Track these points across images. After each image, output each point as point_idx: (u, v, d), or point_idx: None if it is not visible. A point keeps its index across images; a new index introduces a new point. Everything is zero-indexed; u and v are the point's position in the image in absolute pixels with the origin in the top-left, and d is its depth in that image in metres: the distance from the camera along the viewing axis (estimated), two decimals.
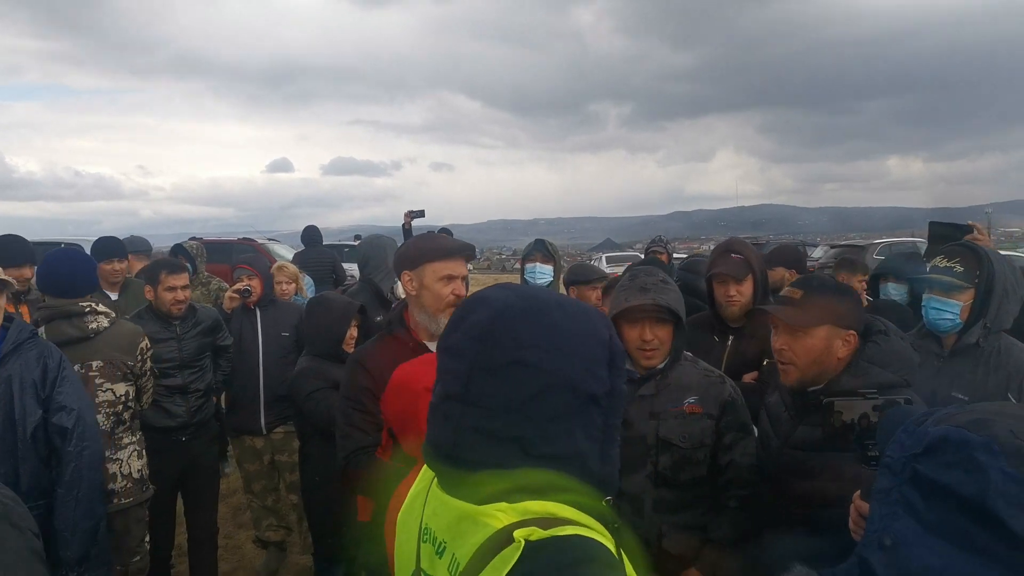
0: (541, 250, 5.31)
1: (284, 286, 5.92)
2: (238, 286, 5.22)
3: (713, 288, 3.66)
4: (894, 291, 4.60)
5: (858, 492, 1.67)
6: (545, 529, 1.11)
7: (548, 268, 5.27)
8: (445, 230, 10.34)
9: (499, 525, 1.14)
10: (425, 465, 1.35)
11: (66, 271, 3.81)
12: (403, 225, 7.07)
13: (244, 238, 17.34)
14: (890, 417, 1.48)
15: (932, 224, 3.98)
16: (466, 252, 2.75)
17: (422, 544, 1.29)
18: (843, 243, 23.30)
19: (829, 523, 1.86)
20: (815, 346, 2.40)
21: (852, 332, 2.42)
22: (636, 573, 1.12)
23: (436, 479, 1.28)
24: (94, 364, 3.70)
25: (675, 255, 10.63)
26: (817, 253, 20.99)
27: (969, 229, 3.74)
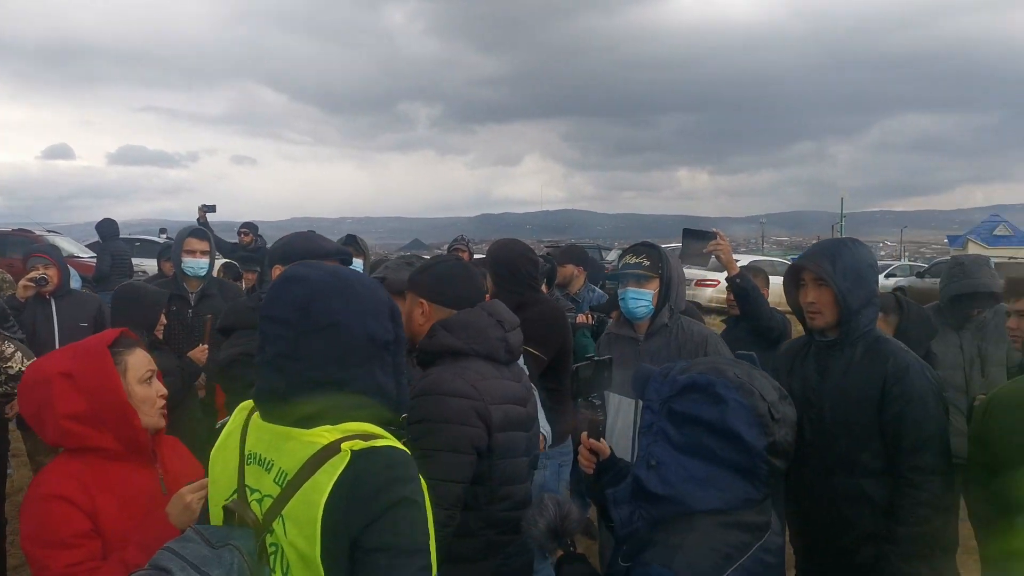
0: (352, 244, 5.44)
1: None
2: (33, 274, 5.17)
3: None
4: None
5: (585, 433, 2.03)
6: (365, 441, 1.50)
7: (359, 262, 5.25)
8: (249, 224, 10.29)
9: (325, 441, 1.50)
10: (237, 408, 1.73)
11: None
12: (197, 220, 7.15)
13: (19, 229, 16.50)
14: (639, 372, 1.74)
15: (685, 230, 4.29)
16: (341, 256, 3.02)
17: (246, 467, 1.61)
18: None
19: None
20: (405, 310, 2.63)
21: (422, 301, 2.65)
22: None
23: (258, 413, 1.63)
24: None
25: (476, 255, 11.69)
26: (611, 256, 23.21)
27: (714, 235, 4.10)
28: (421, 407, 2.35)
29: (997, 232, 43.57)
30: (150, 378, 2.24)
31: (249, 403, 1.71)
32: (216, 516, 1.67)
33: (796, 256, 3.42)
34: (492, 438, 2.39)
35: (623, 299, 3.40)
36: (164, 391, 2.28)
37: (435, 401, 2.35)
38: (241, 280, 7.56)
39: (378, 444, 1.52)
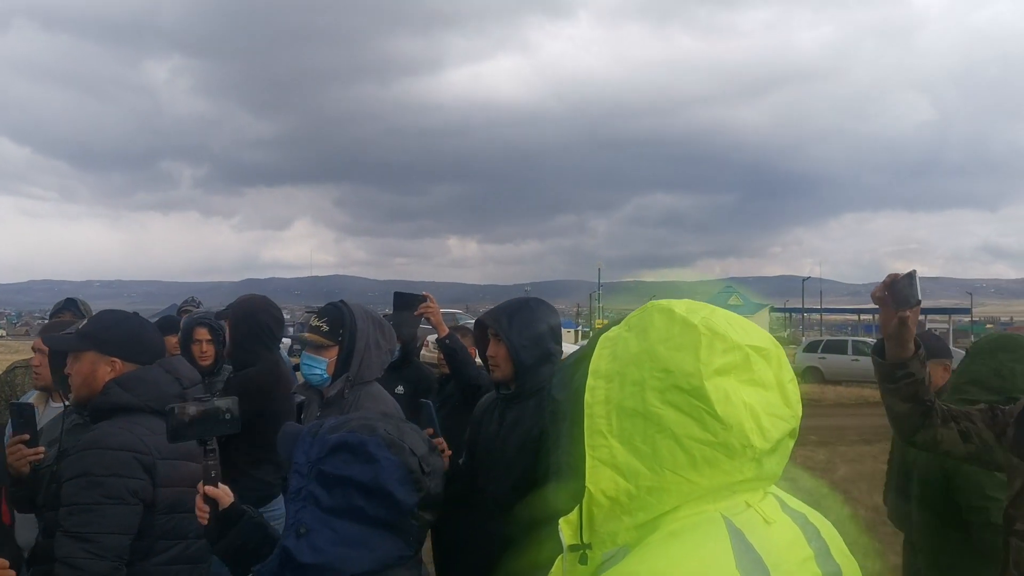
0: (71, 308, 4.99)
1: None
2: None
3: None
4: None
5: (201, 482, 1.98)
6: None
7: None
8: None
9: None
10: None
11: None
12: None
13: None
14: (285, 432, 1.68)
15: (396, 294, 4.29)
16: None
17: None
18: None
19: None
20: (82, 370, 2.60)
21: (115, 359, 2.61)
22: None
23: None
24: None
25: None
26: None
27: (424, 299, 4.13)
28: (82, 461, 2.35)
29: (731, 302, 48.12)
30: None
31: None
32: None
33: None
34: (156, 492, 2.42)
35: (301, 363, 3.23)
36: None
37: (98, 455, 2.36)
38: None
39: None
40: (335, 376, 3.10)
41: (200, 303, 7.33)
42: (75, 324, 3.05)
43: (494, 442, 2.93)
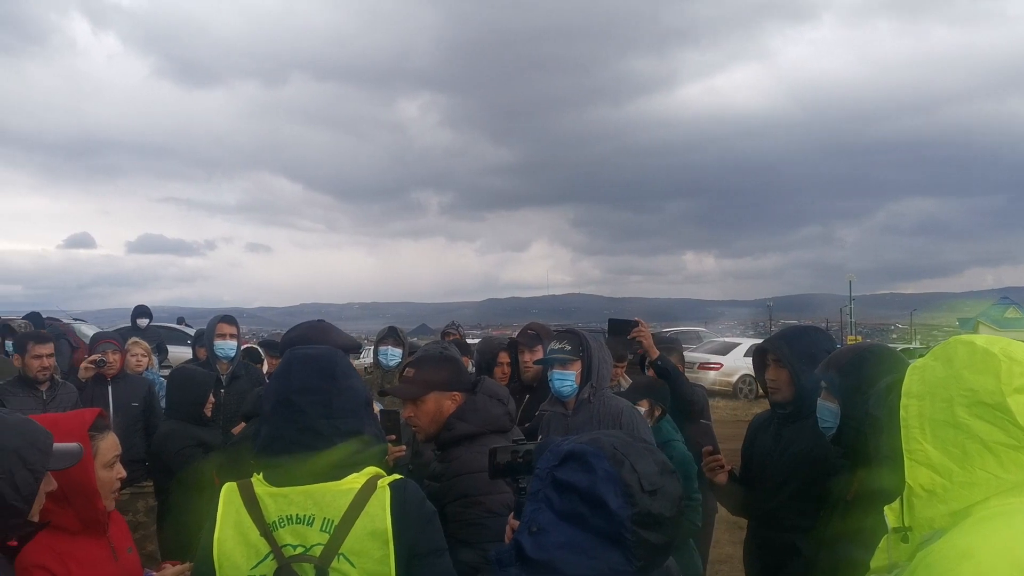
0: (393, 336, 5.93)
1: (140, 359, 6.56)
2: (94, 357, 5.66)
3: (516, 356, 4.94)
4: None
5: (512, 513, 2.04)
6: (388, 477, 2.00)
7: (398, 351, 5.83)
8: (181, 319, 11.96)
9: (359, 484, 1.94)
10: (223, 490, 1.99)
11: None
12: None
13: (49, 318, 18.34)
14: (541, 445, 1.85)
15: (610, 320, 4.74)
16: (351, 349, 3.46)
17: (278, 532, 1.90)
18: None
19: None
20: (429, 410, 2.98)
21: (456, 393, 3.01)
22: None
23: (263, 487, 1.95)
24: None
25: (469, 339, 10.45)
26: None
27: (635, 324, 4.55)
28: (460, 485, 2.81)
29: (1008, 315, 42.61)
30: (114, 463, 2.37)
31: (233, 485, 1.99)
32: None
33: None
34: None
35: (551, 380, 3.66)
36: (123, 474, 2.42)
37: (471, 479, 2.78)
38: (263, 364, 7.42)
39: (398, 477, 2.02)
40: (581, 385, 3.60)
41: (460, 327, 7.88)
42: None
43: (769, 457, 3.19)
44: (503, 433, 2.94)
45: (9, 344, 6.67)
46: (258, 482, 1.99)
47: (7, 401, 4.85)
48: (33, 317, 8.45)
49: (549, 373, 3.70)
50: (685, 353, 6.48)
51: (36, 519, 2.00)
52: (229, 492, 1.99)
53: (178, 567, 2.38)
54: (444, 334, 7.64)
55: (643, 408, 4.16)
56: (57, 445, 2.01)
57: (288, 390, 2.03)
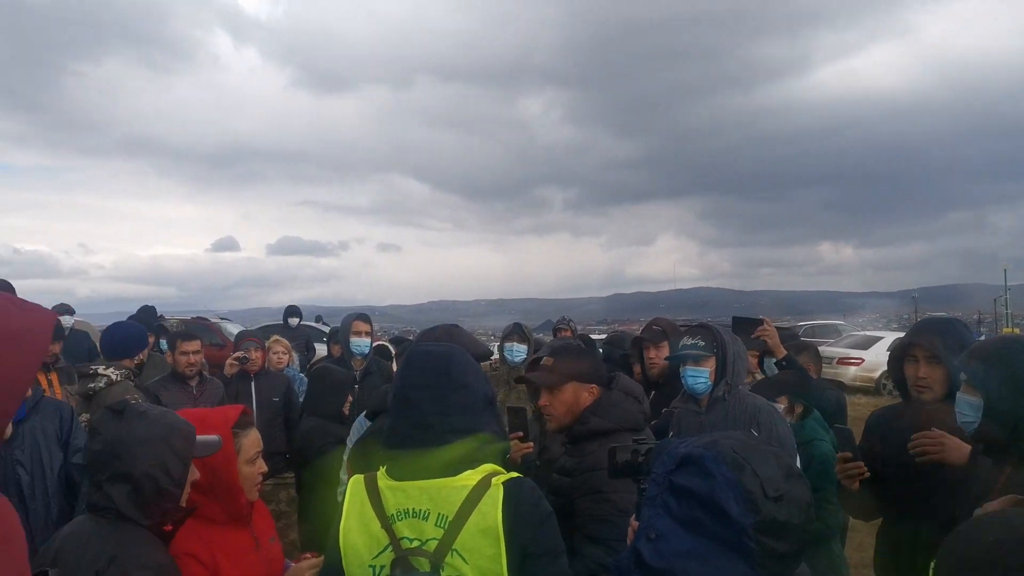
0: (518, 332, 5.99)
1: (280, 356, 6.74)
2: (238, 354, 5.95)
3: (642, 352, 4.87)
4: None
5: (633, 515, 1.96)
6: (504, 475, 1.98)
7: (523, 347, 5.86)
8: (319, 317, 11.94)
9: (474, 482, 1.94)
10: (350, 483, 2.08)
11: (106, 338, 5.00)
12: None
13: (198, 317, 17.73)
14: (658, 447, 1.77)
15: (734, 319, 4.64)
16: (481, 353, 3.29)
17: (396, 525, 1.95)
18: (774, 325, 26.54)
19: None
20: (566, 400, 2.95)
21: (594, 385, 2.98)
22: None
23: (387, 480, 2.00)
24: (84, 417, 4.23)
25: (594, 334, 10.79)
26: None
27: (760, 322, 4.47)
28: (591, 480, 2.77)
29: None
30: (255, 458, 2.50)
31: (360, 478, 2.06)
32: (362, 575, 1.97)
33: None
34: None
35: (683, 377, 3.61)
36: (264, 468, 2.55)
37: (603, 475, 2.53)
38: (393, 360, 7.56)
39: (513, 475, 1.99)
40: (715, 383, 3.52)
41: (571, 321, 7.86)
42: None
43: (907, 455, 2.98)
44: (637, 431, 2.88)
45: (163, 342, 7.10)
46: (381, 476, 2.04)
47: (161, 395, 5.11)
48: (147, 311, 8.94)
49: (681, 370, 3.63)
50: (822, 348, 6.20)
51: (184, 505, 2.18)
52: (355, 484, 2.05)
53: (314, 559, 2.46)
54: (556, 330, 7.62)
55: (781, 405, 3.99)
56: (199, 436, 2.20)
57: (405, 386, 2.07)
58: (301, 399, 5.81)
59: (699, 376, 3.54)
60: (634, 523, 1.85)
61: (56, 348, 5.57)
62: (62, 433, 3.66)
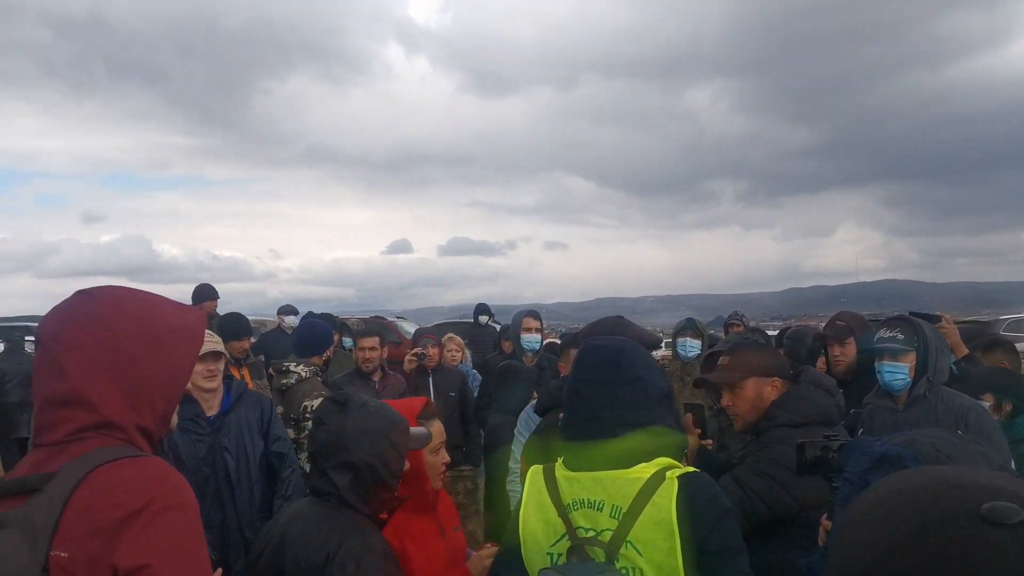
0: (692, 327, 5.96)
1: (453, 354, 6.93)
2: (416, 350, 6.18)
3: (825, 348, 4.59)
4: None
5: (824, 514, 2.03)
6: (679, 469, 1.94)
7: (697, 342, 5.84)
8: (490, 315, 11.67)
9: (648, 475, 1.91)
10: (529, 473, 2.12)
11: (296, 337, 5.41)
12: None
13: (376, 316, 18.54)
14: (851, 444, 1.78)
15: (911, 314, 4.30)
16: (649, 342, 3.32)
17: (572, 514, 1.97)
18: (967, 319, 24.18)
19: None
20: (748, 396, 2.89)
21: (776, 379, 2.91)
22: None
23: (563, 470, 2.03)
24: (279, 410, 4.44)
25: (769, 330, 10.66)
26: None
27: (938, 319, 4.20)
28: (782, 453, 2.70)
29: None
30: (439, 448, 2.56)
31: (539, 467, 2.10)
32: (540, 562, 2.00)
33: None
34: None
35: (879, 372, 3.44)
36: (447, 459, 2.61)
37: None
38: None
39: (689, 470, 1.95)
40: (915, 379, 3.35)
41: (744, 316, 7.70)
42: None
43: None
44: (829, 425, 2.78)
45: (348, 340, 7.53)
46: (559, 466, 2.06)
47: (346, 390, 5.39)
48: (288, 309, 9.43)
49: (877, 364, 3.45)
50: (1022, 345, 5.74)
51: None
52: (534, 474, 2.09)
53: (494, 548, 2.50)
54: (728, 325, 7.42)
55: (987, 403, 3.73)
56: (411, 428, 2.30)
57: (576, 380, 2.09)
58: (475, 395, 6.03)
59: (897, 372, 3.36)
60: (825, 523, 1.83)
61: (246, 344, 6.04)
62: (263, 423, 3.87)
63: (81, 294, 1.43)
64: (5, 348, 9.20)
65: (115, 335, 1.36)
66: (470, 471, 6.14)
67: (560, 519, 1.97)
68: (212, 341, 3.71)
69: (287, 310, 9.33)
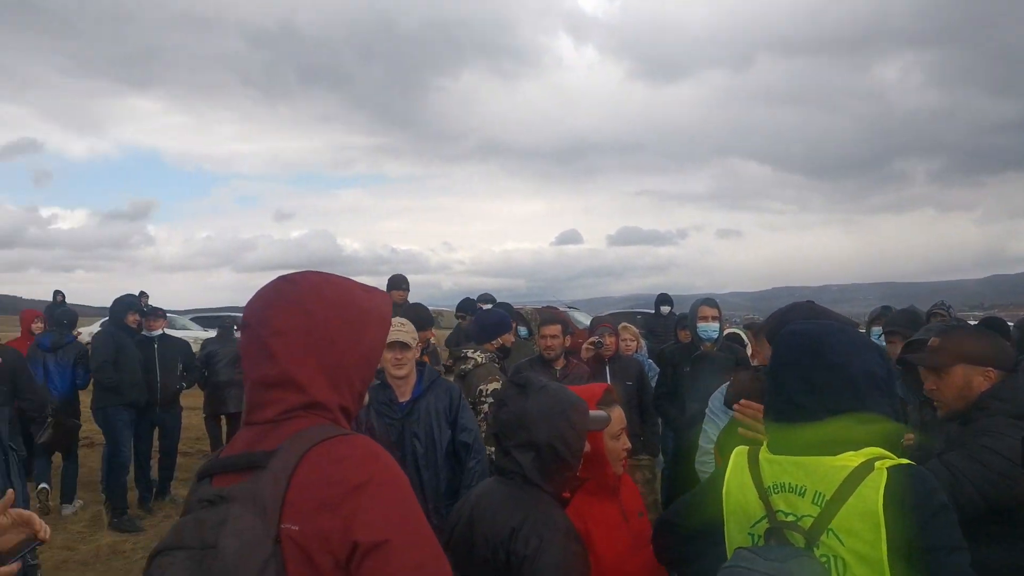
0: (887, 316, 5.70)
1: (628, 343, 7.05)
2: (593, 339, 6.24)
3: None
4: None
5: None
6: (891, 460, 1.82)
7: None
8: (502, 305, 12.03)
9: (854, 464, 1.84)
10: (733, 454, 2.10)
11: (474, 324, 5.76)
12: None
13: (548, 306, 18.61)
14: None
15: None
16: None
17: (772, 497, 1.95)
18: None
19: None
20: (955, 383, 2.77)
21: (991, 369, 2.74)
22: None
23: (766, 452, 1.99)
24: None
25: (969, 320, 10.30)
26: None
27: None
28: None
29: None
30: (620, 434, 2.57)
31: (743, 448, 2.09)
32: (740, 541, 1.99)
33: None
34: None
35: None
36: (628, 445, 2.61)
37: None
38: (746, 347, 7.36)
39: (903, 462, 1.86)
40: None
41: (951, 307, 7.25)
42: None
43: None
44: None
45: (523, 330, 7.67)
46: (764, 448, 2.05)
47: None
48: (416, 307, 9.73)
49: None
50: None
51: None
52: (738, 455, 2.09)
53: None
54: (930, 315, 6.91)
55: None
56: (590, 411, 2.35)
57: (775, 364, 2.07)
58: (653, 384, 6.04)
59: None
60: None
61: (430, 334, 6.20)
62: (451, 412, 3.96)
63: (283, 280, 1.51)
64: (217, 333, 10.36)
65: (315, 320, 1.43)
66: (648, 460, 6.13)
67: (760, 501, 1.96)
68: (403, 330, 3.86)
69: (487, 299, 9.66)
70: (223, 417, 9.38)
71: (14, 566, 1.76)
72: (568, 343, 6.04)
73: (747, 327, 8.21)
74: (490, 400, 4.60)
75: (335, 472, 1.30)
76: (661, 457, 6.49)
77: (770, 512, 1.93)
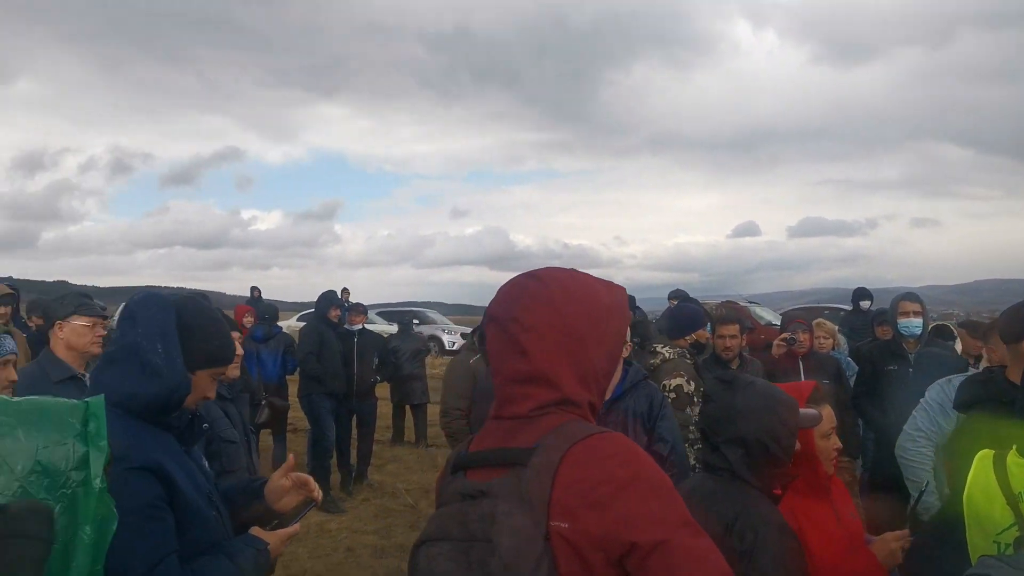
0: None
1: (822, 340, 6.68)
2: (785, 335, 6.05)
3: None
4: None
5: None
6: None
7: None
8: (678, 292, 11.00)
9: None
10: (978, 457, 2.01)
11: (663, 319, 5.54)
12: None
13: (727, 300, 17.83)
14: None
15: None
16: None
17: (1022, 504, 1.87)
18: None
19: None
20: None
21: None
22: None
23: (1017, 456, 1.91)
24: None
25: None
26: None
27: None
28: None
29: None
30: (830, 433, 2.57)
31: (989, 452, 2.00)
32: (984, 548, 1.90)
33: None
34: None
35: None
36: (839, 445, 2.62)
37: None
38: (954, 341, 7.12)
39: None
40: None
41: None
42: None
43: None
44: None
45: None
46: (1012, 453, 1.97)
47: (703, 375, 5.34)
48: (677, 293, 10.12)
49: None
50: None
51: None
52: (983, 459, 2.01)
53: (902, 532, 2.50)
54: None
55: None
56: (800, 409, 2.34)
57: None
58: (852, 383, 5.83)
59: None
60: None
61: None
62: (650, 418, 3.75)
63: (528, 277, 1.53)
64: (397, 330, 11.09)
65: (565, 316, 1.44)
66: (848, 462, 5.85)
67: (1008, 508, 1.89)
68: None
69: (677, 294, 9.88)
70: (407, 408, 10.50)
71: (295, 527, 1.94)
72: (745, 342, 5.88)
73: (961, 325, 7.73)
74: (672, 395, 4.52)
75: (601, 470, 1.30)
76: (861, 459, 6.18)
77: (1020, 519, 1.86)
